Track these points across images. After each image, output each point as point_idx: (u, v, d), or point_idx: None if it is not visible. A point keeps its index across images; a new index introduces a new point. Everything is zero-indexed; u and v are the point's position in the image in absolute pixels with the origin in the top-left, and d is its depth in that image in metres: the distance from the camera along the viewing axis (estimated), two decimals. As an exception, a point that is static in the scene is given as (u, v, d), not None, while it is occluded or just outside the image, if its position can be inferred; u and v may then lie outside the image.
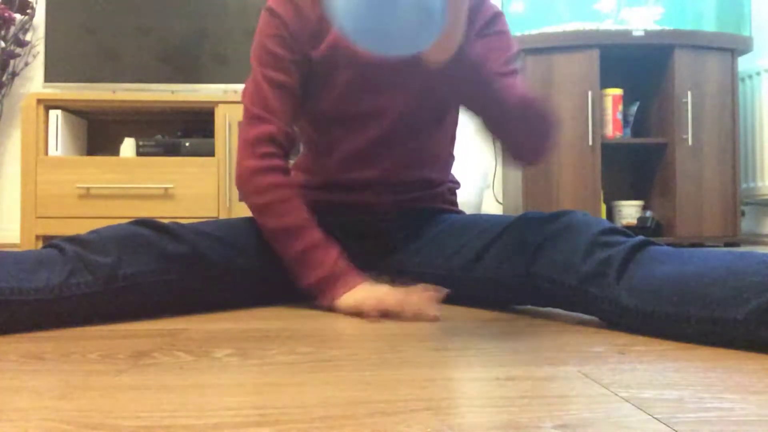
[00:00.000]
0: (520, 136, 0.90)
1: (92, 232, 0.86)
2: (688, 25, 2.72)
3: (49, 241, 0.85)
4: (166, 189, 2.39)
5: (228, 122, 2.43)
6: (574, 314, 0.86)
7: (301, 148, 1.15)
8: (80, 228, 1.00)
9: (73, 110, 2.52)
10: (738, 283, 0.65)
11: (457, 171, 1.19)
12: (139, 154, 2.46)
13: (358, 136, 1.04)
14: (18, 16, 2.64)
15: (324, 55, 1.00)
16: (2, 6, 2.54)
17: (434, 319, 0.85)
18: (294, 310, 0.94)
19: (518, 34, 2.69)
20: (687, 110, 2.60)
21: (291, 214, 0.94)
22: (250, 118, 0.99)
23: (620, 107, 2.70)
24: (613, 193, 2.82)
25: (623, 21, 2.74)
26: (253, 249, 0.95)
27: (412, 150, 1.07)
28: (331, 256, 0.91)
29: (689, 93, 2.61)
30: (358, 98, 1.02)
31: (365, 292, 0.88)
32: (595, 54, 2.60)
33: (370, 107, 1.02)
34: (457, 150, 1.17)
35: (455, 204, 1.17)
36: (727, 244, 2.67)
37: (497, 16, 1.03)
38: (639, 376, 0.55)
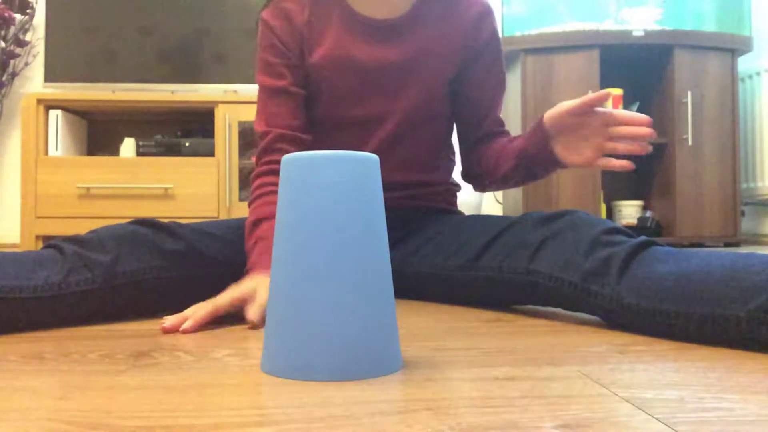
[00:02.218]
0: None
1: (91, 232, 0.86)
2: (688, 25, 2.72)
3: (48, 242, 0.85)
4: (166, 189, 2.39)
5: (228, 122, 2.43)
6: (574, 314, 0.86)
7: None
8: (80, 228, 1.01)
9: (73, 110, 2.52)
10: (740, 281, 0.65)
11: (457, 171, 1.19)
12: (139, 154, 2.47)
13: (362, 141, 1.04)
14: (18, 16, 2.64)
15: (320, 62, 1.01)
16: (2, 6, 2.54)
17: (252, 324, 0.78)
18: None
19: (518, 34, 2.69)
20: (687, 110, 2.60)
21: (260, 207, 0.94)
22: (258, 138, 1.03)
23: (620, 107, 2.70)
24: (613, 193, 2.83)
25: (623, 21, 2.74)
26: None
27: (414, 151, 1.07)
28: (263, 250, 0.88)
29: (689, 93, 2.61)
30: (360, 103, 1.02)
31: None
32: (595, 54, 2.61)
33: (373, 111, 1.03)
34: (457, 151, 1.17)
35: (455, 205, 1.17)
36: (727, 244, 2.67)
37: (493, 38, 1.07)
38: (639, 376, 0.55)
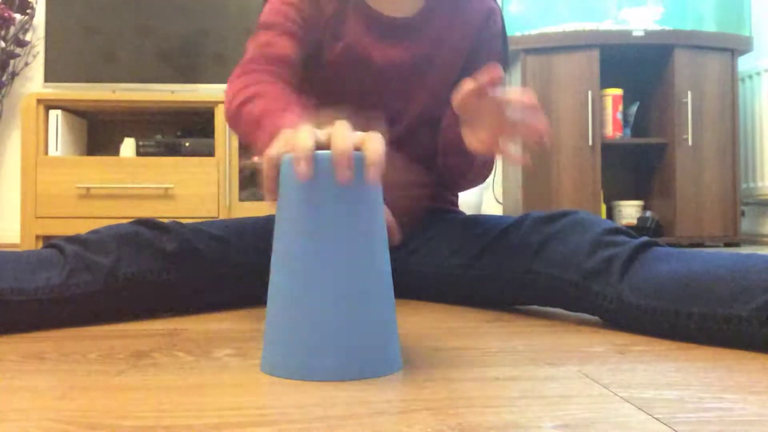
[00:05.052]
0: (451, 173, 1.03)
1: (92, 231, 0.86)
2: (688, 25, 2.73)
3: (49, 241, 0.85)
4: (166, 189, 2.39)
5: (228, 122, 2.43)
6: (574, 314, 0.86)
7: None
8: (80, 228, 1.00)
9: (73, 110, 2.52)
10: (742, 281, 0.65)
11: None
12: (139, 154, 2.46)
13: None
14: (18, 16, 2.64)
15: (339, 56, 0.98)
16: (2, 6, 2.54)
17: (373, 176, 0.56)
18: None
19: (518, 34, 2.69)
20: (687, 110, 2.60)
21: (258, 86, 0.82)
22: (242, 64, 0.91)
23: (620, 107, 2.70)
24: (613, 193, 2.82)
25: (623, 21, 2.74)
26: (254, 248, 0.95)
27: (420, 152, 1.06)
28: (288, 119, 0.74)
29: (689, 93, 2.61)
30: (371, 104, 1.01)
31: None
32: (595, 54, 2.60)
33: (389, 110, 1.01)
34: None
35: (455, 205, 1.17)
36: (727, 244, 2.67)
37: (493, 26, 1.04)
38: (639, 376, 0.55)
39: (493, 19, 1.04)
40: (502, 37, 1.06)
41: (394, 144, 1.03)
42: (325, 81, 1.00)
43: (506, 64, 1.08)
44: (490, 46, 1.05)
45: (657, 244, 0.77)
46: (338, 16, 0.97)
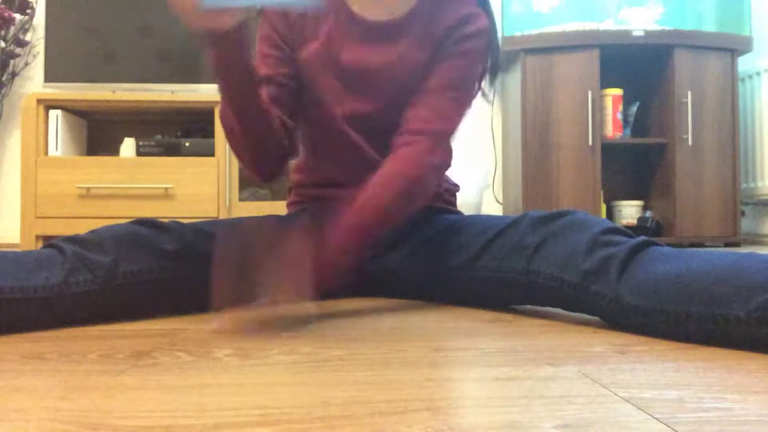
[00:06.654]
0: None
1: (91, 231, 0.86)
2: (688, 25, 2.72)
3: (48, 241, 0.85)
4: (166, 189, 2.39)
5: (228, 122, 2.42)
6: (574, 314, 0.86)
7: (301, 149, 1.15)
8: (80, 228, 1.00)
9: (73, 110, 2.52)
10: (740, 281, 0.65)
11: (457, 171, 1.19)
12: (139, 154, 2.46)
13: (355, 136, 1.04)
14: (18, 16, 2.64)
15: (307, 58, 1.01)
16: (2, 6, 2.54)
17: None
18: (294, 310, 0.94)
19: (518, 34, 2.69)
20: (687, 110, 2.60)
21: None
22: None
23: (620, 107, 2.70)
24: (613, 193, 2.83)
25: (623, 21, 2.74)
26: (254, 248, 0.95)
27: None
28: None
29: (689, 93, 2.61)
30: (343, 102, 1.02)
31: None
32: (595, 54, 2.60)
33: (358, 110, 1.02)
34: (457, 150, 1.17)
35: (454, 205, 1.17)
36: (727, 244, 2.67)
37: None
38: (639, 376, 0.55)
39: (470, 22, 0.99)
40: (492, 39, 1.03)
41: (380, 141, 1.03)
42: (304, 79, 1.03)
43: (495, 67, 1.05)
44: (461, 46, 0.99)
45: (655, 244, 0.77)
46: (309, 18, 1.01)
